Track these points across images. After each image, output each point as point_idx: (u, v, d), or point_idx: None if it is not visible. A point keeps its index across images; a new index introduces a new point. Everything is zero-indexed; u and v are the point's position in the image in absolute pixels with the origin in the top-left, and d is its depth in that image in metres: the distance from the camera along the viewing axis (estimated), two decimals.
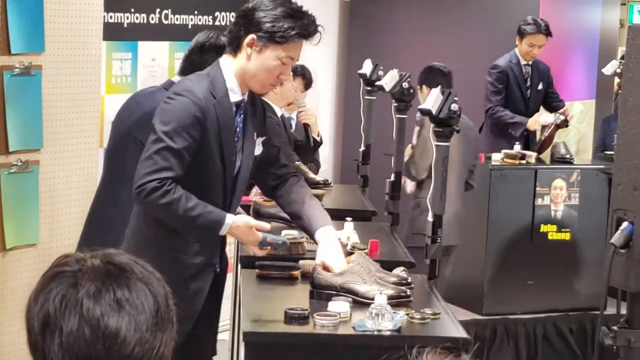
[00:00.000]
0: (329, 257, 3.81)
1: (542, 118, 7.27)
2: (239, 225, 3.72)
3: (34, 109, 5.15)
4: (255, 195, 5.07)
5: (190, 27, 6.50)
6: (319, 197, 5.61)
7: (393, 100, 5.44)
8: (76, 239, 4.75)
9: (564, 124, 7.28)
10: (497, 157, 5.91)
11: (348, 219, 4.83)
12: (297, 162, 6.14)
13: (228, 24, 6.72)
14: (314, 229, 3.89)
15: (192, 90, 3.65)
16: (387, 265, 4.15)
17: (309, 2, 8.41)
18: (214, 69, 3.77)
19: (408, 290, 3.91)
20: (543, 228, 5.75)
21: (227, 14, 6.76)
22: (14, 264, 5.09)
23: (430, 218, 4.25)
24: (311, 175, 6.14)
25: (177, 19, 6.42)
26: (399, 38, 8.45)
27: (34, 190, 5.18)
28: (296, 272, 4.06)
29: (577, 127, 8.98)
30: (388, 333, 3.47)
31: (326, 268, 3.79)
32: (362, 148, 6.33)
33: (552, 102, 7.91)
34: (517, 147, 6.13)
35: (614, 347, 3.28)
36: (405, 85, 5.31)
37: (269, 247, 3.79)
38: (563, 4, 8.68)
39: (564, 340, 5.85)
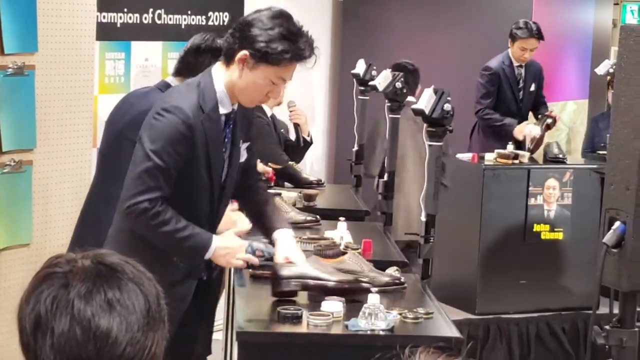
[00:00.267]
0: (289, 252, 3.83)
1: (527, 129, 7.29)
2: (221, 243, 3.71)
3: (27, 109, 5.15)
4: None
5: (183, 27, 6.50)
6: (312, 197, 5.63)
7: (386, 100, 5.46)
8: (69, 239, 4.74)
9: (553, 124, 7.30)
10: (490, 157, 5.92)
11: (341, 218, 4.85)
12: (290, 162, 6.15)
13: (221, 23, 6.74)
14: (273, 228, 3.91)
15: (180, 107, 3.59)
16: (380, 265, 4.16)
17: (303, 2, 8.44)
18: (206, 77, 3.71)
19: (402, 277, 3.96)
20: (536, 228, 5.76)
21: (220, 13, 6.76)
22: (7, 264, 5.08)
23: (423, 218, 4.26)
24: (304, 175, 6.16)
25: (170, 19, 6.42)
26: (393, 38, 8.46)
27: (27, 190, 5.18)
28: None
29: (570, 126, 8.99)
30: (381, 333, 3.48)
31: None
32: (356, 148, 6.34)
33: (537, 104, 7.92)
34: (510, 147, 6.14)
35: (606, 347, 3.29)
36: (398, 85, 5.32)
37: (262, 256, 3.76)
38: (556, 4, 8.69)
39: (556, 340, 5.86)
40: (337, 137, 8.44)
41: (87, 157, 5.45)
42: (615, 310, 3.37)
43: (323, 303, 3.65)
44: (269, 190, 5.21)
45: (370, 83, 5.72)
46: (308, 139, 6.34)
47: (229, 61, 3.68)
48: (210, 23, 6.67)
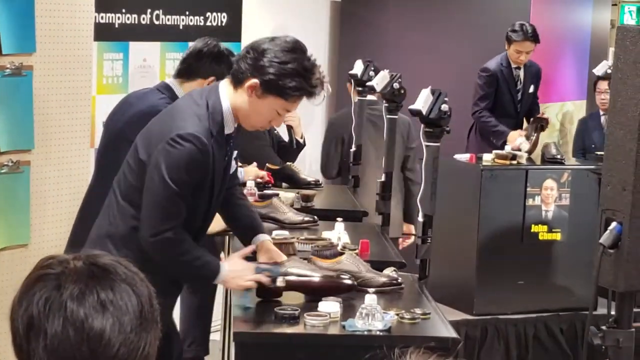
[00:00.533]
0: (273, 253, 3.88)
1: (518, 141, 7.32)
2: (229, 268, 3.74)
3: (25, 110, 5.15)
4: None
5: (181, 27, 6.50)
6: (310, 198, 5.63)
7: (384, 101, 5.46)
8: (67, 239, 4.74)
9: (546, 125, 7.32)
10: (487, 158, 5.91)
11: (339, 219, 4.85)
12: (287, 163, 6.16)
13: (219, 24, 6.74)
14: (253, 233, 3.95)
15: (198, 136, 3.54)
16: (378, 266, 4.17)
17: (301, 3, 8.44)
18: (213, 96, 3.66)
19: (399, 278, 3.97)
20: (534, 228, 5.75)
21: (218, 14, 6.76)
22: (5, 264, 5.09)
23: (420, 218, 4.26)
24: (302, 175, 6.16)
25: (168, 20, 6.42)
26: (390, 39, 8.46)
27: (25, 190, 5.18)
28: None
29: (568, 127, 8.99)
30: (378, 333, 3.49)
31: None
32: (353, 149, 6.34)
33: (530, 105, 7.93)
34: (508, 148, 6.14)
35: (603, 347, 3.30)
36: (396, 85, 5.33)
37: (270, 276, 3.77)
38: (554, 5, 8.69)
39: (554, 340, 5.86)
40: None
41: (85, 158, 5.46)
42: (613, 311, 3.38)
43: (320, 303, 3.66)
44: (267, 191, 5.24)
45: (368, 84, 5.73)
46: (301, 141, 6.34)
47: (237, 84, 3.65)
48: (208, 24, 6.68)
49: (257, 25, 7.40)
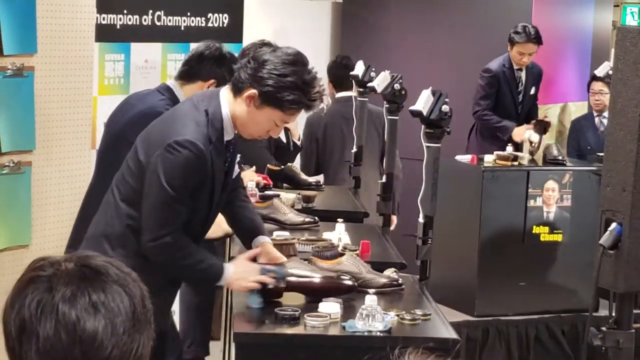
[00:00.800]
0: (273, 254, 3.89)
1: (527, 133, 7.32)
2: (234, 269, 3.76)
3: (26, 111, 5.15)
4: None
5: (182, 28, 6.50)
6: (311, 199, 5.63)
7: (384, 102, 5.46)
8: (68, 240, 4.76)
9: (548, 127, 7.34)
10: (489, 159, 5.91)
11: (339, 220, 4.85)
12: (288, 164, 6.16)
13: (221, 25, 6.74)
14: (253, 235, 3.96)
15: (195, 142, 3.56)
16: (378, 267, 4.17)
17: (302, 4, 8.44)
18: (214, 102, 3.67)
19: (400, 279, 3.98)
20: (535, 229, 5.75)
21: (220, 15, 6.76)
22: (6, 264, 5.09)
23: (421, 219, 4.26)
24: (303, 176, 6.16)
25: (169, 21, 6.42)
26: (391, 40, 8.46)
27: (26, 191, 5.18)
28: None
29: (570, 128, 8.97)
30: (378, 334, 3.49)
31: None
32: (354, 149, 6.34)
33: (531, 106, 7.94)
34: (509, 149, 6.14)
35: (603, 348, 3.29)
36: (397, 86, 5.32)
37: (274, 278, 3.77)
38: (556, 6, 8.68)
39: (556, 342, 5.85)
40: None
41: (86, 159, 5.46)
42: (614, 313, 3.37)
43: (320, 304, 3.66)
44: (268, 192, 5.24)
45: (369, 84, 5.72)
46: (298, 143, 6.34)
47: (237, 93, 3.66)
48: (209, 25, 6.68)
49: (258, 26, 7.41)
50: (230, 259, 4.25)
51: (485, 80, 7.75)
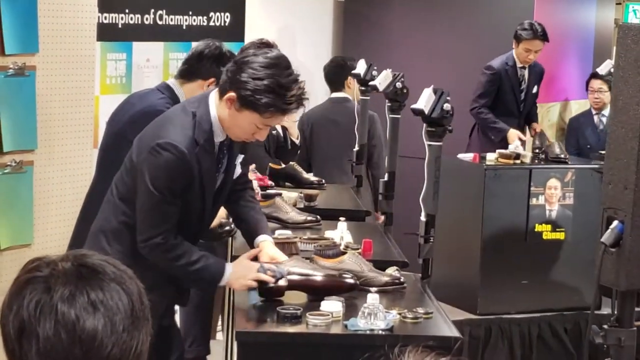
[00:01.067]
0: (274, 253, 3.91)
1: (514, 145, 7.38)
2: (234, 269, 3.79)
3: (28, 110, 5.15)
4: None
5: (184, 27, 6.50)
6: (313, 197, 5.63)
7: (386, 100, 5.46)
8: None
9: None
10: (491, 157, 5.90)
11: (341, 218, 4.85)
12: (290, 163, 6.15)
13: (222, 24, 6.74)
14: (257, 233, 3.98)
15: (175, 144, 3.59)
16: (380, 265, 4.17)
17: (304, 2, 8.44)
18: (202, 106, 3.70)
19: (402, 277, 3.98)
20: (538, 228, 5.74)
21: (222, 14, 6.76)
22: (8, 264, 5.09)
23: (423, 218, 4.26)
24: (305, 175, 6.16)
25: (171, 20, 6.42)
26: (393, 38, 8.45)
27: (28, 190, 5.19)
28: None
29: None
30: (380, 332, 3.49)
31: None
32: (356, 148, 6.35)
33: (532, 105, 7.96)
34: (511, 147, 6.13)
35: (605, 346, 3.29)
36: (398, 85, 5.33)
37: (274, 276, 3.78)
38: (558, 4, 8.68)
39: (558, 340, 5.84)
40: None
41: (88, 158, 5.46)
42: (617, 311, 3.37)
43: (322, 303, 3.66)
44: (270, 190, 5.24)
45: (371, 83, 5.72)
46: (297, 141, 6.33)
47: (221, 95, 3.68)
48: (211, 24, 6.68)
49: (261, 25, 7.41)
50: (233, 258, 4.25)
51: (486, 78, 7.74)
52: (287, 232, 4.63)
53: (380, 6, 8.57)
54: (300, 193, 5.69)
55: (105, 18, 5.98)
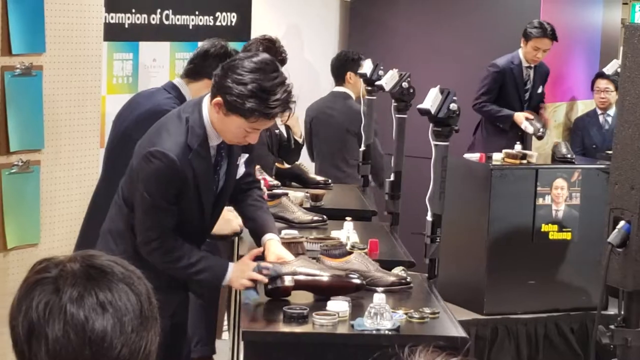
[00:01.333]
0: (280, 252, 3.93)
1: (525, 124, 7.42)
2: (235, 268, 3.81)
3: (35, 110, 5.16)
4: None
5: (191, 27, 6.50)
6: (319, 197, 5.63)
7: (393, 100, 5.45)
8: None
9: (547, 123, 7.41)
10: (497, 157, 5.90)
11: (348, 218, 4.85)
12: (296, 162, 6.15)
13: (229, 24, 6.74)
14: (264, 232, 4.00)
15: (166, 153, 3.62)
16: (387, 265, 4.17)
17: (310, 2, 8.44)
18: (196, 111, 3.72)
19: (408, 277, 3.98)
20: (544, 228, 5.74)
21: (228, 14, 6.77)
22: (15, 263, 5.10)
23: (429, 217, 4.26)
24: (312, 175, 6.16)
25: (178, 20, 6.43)
26: (399, 38, 8.45)
27: (35, 190, 5.19)
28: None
29: None
30: (387, 332, 3.49)
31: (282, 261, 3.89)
32: (362, 148, 6.34)
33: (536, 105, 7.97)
34: (518, 147, 6.13)
35: (612, 346, 3.29)
36: (405, 85, 5.32)
37: (269, 274, 3.79)
38: (564, 3, 8.67)
39: (565, 340, 5.85)
40: None
41: (95, 157, 5.47)
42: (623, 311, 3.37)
43: (329, 303, 3.66)
44: (276, 190, 5.24)
45: (377, 83, 5.72)
46: (300, 140, 6.33)
47: (210, 100, 3.69)
48: (218, 24, 6.68)
49: (267, 25, 7.40)
50: (239, 258, 4.26)
51: (490, 75, 7.73)
52: (294, 232, 4.62)
53: (387, 6, 8.57)
54: (307, 193, 5.69)
55: (112, 18, 5.98)
